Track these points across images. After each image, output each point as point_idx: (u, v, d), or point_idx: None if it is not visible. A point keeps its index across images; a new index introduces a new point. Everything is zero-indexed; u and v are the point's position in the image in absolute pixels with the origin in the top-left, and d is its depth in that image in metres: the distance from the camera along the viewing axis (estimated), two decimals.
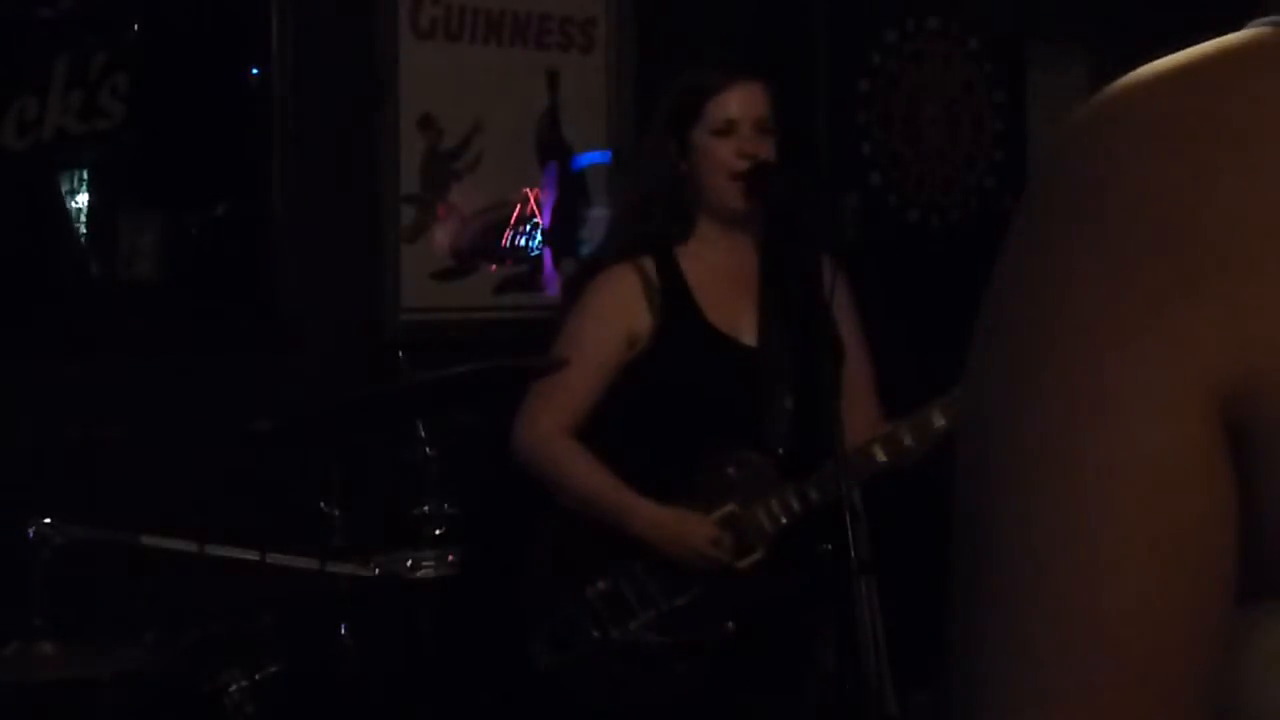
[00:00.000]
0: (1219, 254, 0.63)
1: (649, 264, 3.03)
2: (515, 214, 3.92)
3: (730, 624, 2.95)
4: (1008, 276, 0.69)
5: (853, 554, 2.58)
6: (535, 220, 3.94)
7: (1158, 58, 0.70)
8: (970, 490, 0.68)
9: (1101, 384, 0.64)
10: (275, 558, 2.65)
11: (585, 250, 3.91)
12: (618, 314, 3.02)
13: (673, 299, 3.02)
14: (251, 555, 2.64)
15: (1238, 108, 0.65)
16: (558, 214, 3.98)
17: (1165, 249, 0.64)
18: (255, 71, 3.52)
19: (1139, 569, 0.63)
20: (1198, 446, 0.63)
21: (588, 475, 2.99)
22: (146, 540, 2.60)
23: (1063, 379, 0.65)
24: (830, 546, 2.76)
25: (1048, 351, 0.65)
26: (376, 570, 2.72)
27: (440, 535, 2.77)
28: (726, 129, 2.99)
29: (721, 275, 3.06)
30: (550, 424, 3.00)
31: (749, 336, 3.04)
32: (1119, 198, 0.65)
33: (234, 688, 2.65)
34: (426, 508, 2.78)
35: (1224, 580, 0.64)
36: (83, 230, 3.31)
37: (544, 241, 3.96)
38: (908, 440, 2.91)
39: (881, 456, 2.90)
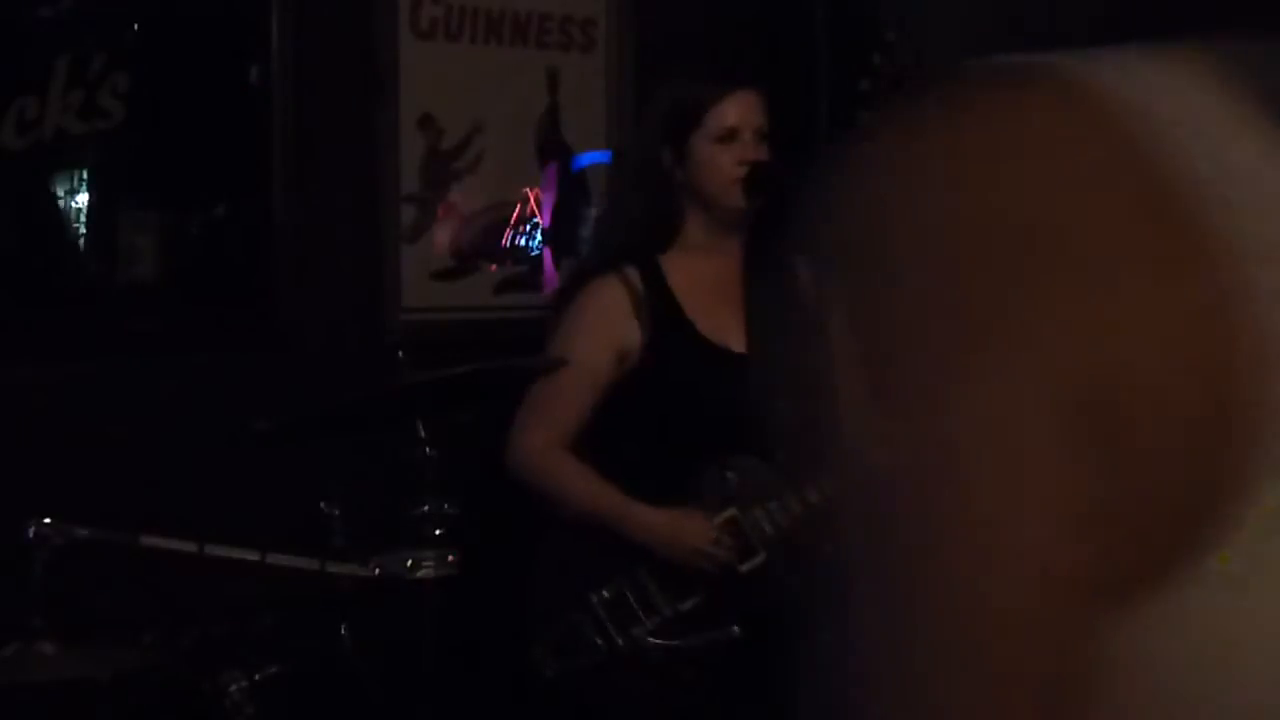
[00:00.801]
0: (1055, 267, 0.66)
1: (634, 275, 3.03)
2: (515, 214, 3.92)
3: (735, 628, 2.95)
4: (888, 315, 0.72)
5: None
6: (535, 220, 3.94)
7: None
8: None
9: (972, 405, 0.67)
10: (275, 558, 2.65)
11: (586, 250, 3.91)
12: (606, 327, 3.02)
13: (661, 311, 3.02)
14: (251, 555, 2.64)
15: (1036, 141, 0.68)
16: (558, 214, 3.98)
17: (1011, 265, 0.67)
18: (255, 71, 3.52)
19: (1003, 575, 0.66)
20: (1062, 454, 0.66)
21: (583, 486, 2.99)
22: (146, 540, 2.60)
23: (932, 408, 0.68)
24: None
25: (925, 380, 0.68)
26: (376, 570, 2.72)
27: (440, 535, 2.77)
28: (728, 137, 3.00)
29: (708, 283, 3.06)
30: (542, 438, 3.00)
31: (738, 343, 3.03)
32: (957, 226, 0.68)
33: (234, 688, 2.65)
34: (426, 508, 2.78)
35: (1086, 576, 0.67)
36: (82, 230, 3.31)
37: (544, 241, 3.96)
38: None
39: None
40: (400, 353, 2.88)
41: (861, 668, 0.70)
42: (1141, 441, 0.66)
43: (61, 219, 3.28)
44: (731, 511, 2.94)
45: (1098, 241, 0.66)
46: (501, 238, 3.90)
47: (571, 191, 4.00)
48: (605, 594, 2.98)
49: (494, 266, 3.90)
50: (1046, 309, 0.66)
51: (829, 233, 0.72)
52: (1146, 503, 0.66)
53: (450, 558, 2.76)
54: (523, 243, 3.93)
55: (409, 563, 2.74)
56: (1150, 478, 0.66)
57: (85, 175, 3.30)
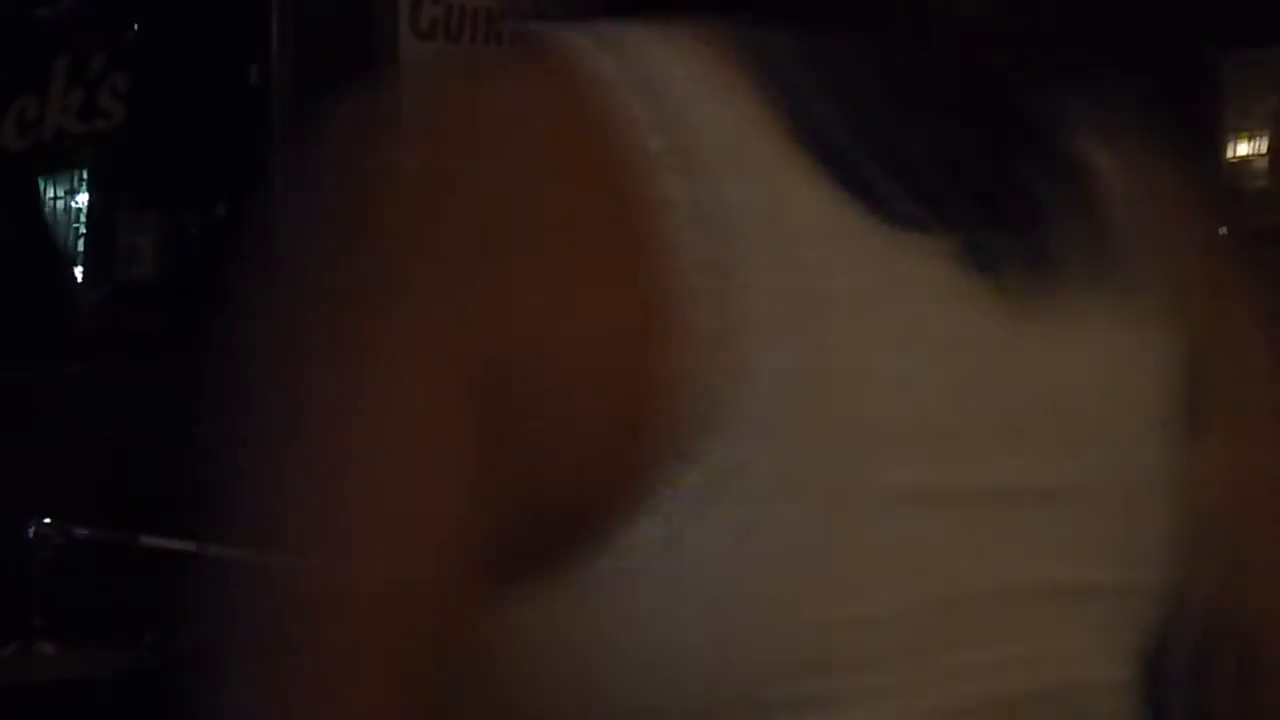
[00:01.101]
0: (472, 237, 0.65)
1: None
2: None
3: None
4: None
5: None
6: None
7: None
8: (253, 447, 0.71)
9: (364, 359, 0.66)
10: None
11: None
12: None
13: None
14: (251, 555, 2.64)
15: (489, 106, 0.68)
16: None
17: (425, 232, 0.66)
18: (255, 71, 3.52)
19: (384, 541, 0.64)
20: (456, 421, 0.64)
21: None
22: (146, 540, 2.60)
23: (334, 353, 0.67)
24: None
25: (330, 331, 0.68)
26: None
27: None
28: None
29: None
30: None
31: None
32: (388, 189, 0.69)
33: None
34: None
35: (480, 551, 0.65)
36: (82, 230, 3.32)
37: None
38: None
39: None
40: None
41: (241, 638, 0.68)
42: (546, 415, 0.64)
43: (61, 219, 3.29)
44: None
45: (527, 214, 0.65)
46: None
47: None
48: None
49: None
50: (461, 280, 0.64)
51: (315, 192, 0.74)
52: (551, 476, 0.64)
53: None
54: None
55: None
56: (555, 452, 0.64)
57: (85, 175, 3.31)
